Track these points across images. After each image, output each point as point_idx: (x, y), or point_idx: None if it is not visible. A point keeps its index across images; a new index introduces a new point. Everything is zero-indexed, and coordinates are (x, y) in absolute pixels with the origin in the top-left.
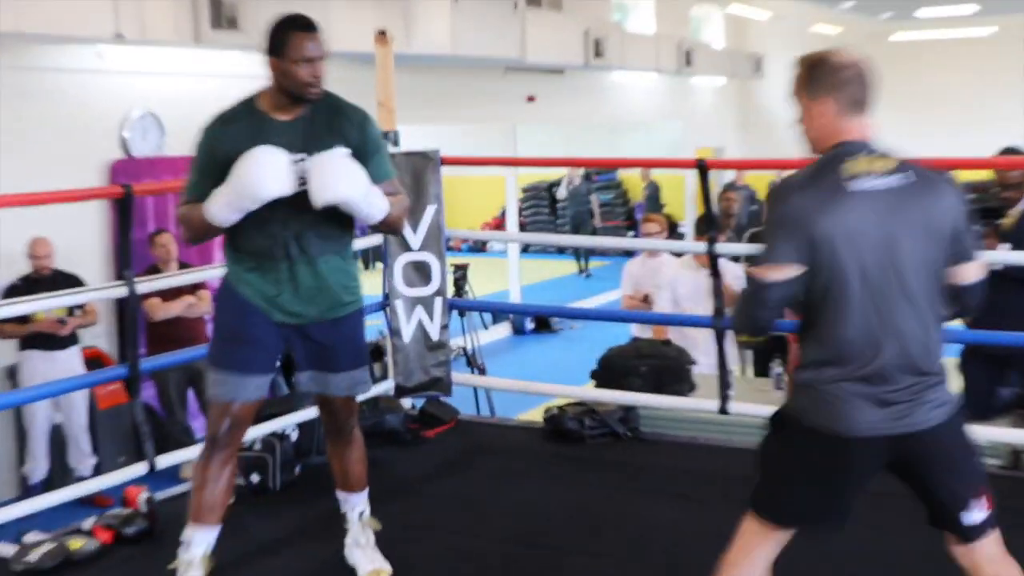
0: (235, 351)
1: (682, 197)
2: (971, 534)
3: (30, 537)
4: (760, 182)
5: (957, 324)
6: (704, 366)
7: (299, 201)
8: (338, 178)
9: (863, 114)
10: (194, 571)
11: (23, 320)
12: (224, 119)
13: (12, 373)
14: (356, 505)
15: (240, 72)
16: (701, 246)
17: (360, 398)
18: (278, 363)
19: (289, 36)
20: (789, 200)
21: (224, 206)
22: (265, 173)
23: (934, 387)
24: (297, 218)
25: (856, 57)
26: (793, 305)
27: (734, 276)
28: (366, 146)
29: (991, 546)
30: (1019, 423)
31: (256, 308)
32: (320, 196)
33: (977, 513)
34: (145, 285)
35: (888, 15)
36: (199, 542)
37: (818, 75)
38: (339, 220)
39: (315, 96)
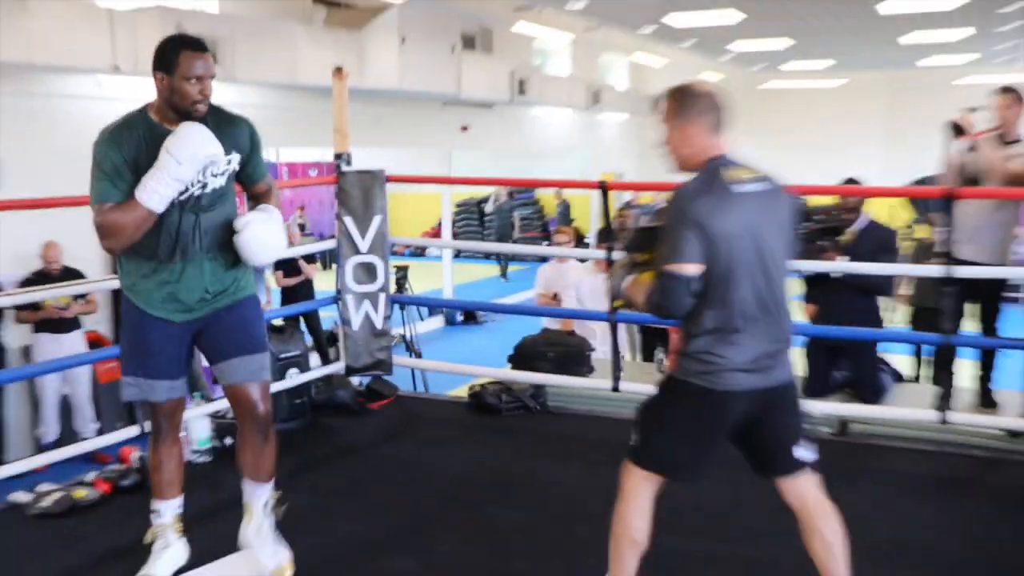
0: (140, 361)
1: (588, 213)
2: (800, 467)
3: (42, 487)
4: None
5: (802, 320)
6: (600, 352)
7: (189, 201)
8: (274, 248)
9: (722, 133)
10: (170, 533)
11: (35, 308)
12: (123, 126)
13: (27, 352)
14: (263, 495)
15: (217, 100)
16: (601, 254)
17: (304, 378)
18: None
19: (180, 54)
20: (691, 205)
21: (163, 183)
22: (203, 136)
23: (787, 351)
24: (187, 219)
25: (712, 87)
26: None
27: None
28: (254, 149)
29: (815, 486)
30: (846, 399)
31: (153, 318)
32: (258, 262)
33: (806, 451)
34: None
35: (760, 66)
36: (167, 510)
37: (688, 103)
38: (229, 221)
39: (201, 113)
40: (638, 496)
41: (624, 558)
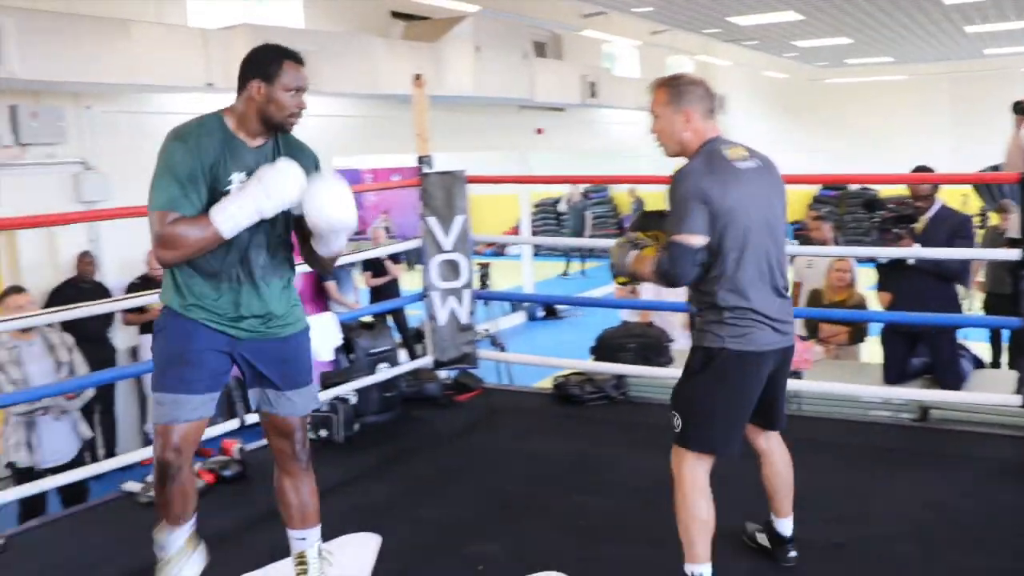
0: (175, 372)
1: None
2: (781, 423)
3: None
4: None
5: (879, 307)
6: (680, 343)
7: (256, 225)
8: (347, 203)
9: (714, 118)
10: (184, 556)
11: (141, 311)
12: (202, 130)
13: (134, 352)
14: (315, 540)
15: (305, 112)
16: None
17: (394, 372)
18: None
19: (283, 64)
20: (699, 181)
21: (244, 213)
22: (298, 177)
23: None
24: (251, 241)
25: (700, 77)
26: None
27: None
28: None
29: (780, 437)
30: (926, 385)
31: (205, 328)
32: (328, 216)
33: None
34: None
35: (823, 63)
36: (177, 537)
37: (686, 91)
38: (286, 245)
39: (293, 126)
40: (696, 479)
41: (697, 542)
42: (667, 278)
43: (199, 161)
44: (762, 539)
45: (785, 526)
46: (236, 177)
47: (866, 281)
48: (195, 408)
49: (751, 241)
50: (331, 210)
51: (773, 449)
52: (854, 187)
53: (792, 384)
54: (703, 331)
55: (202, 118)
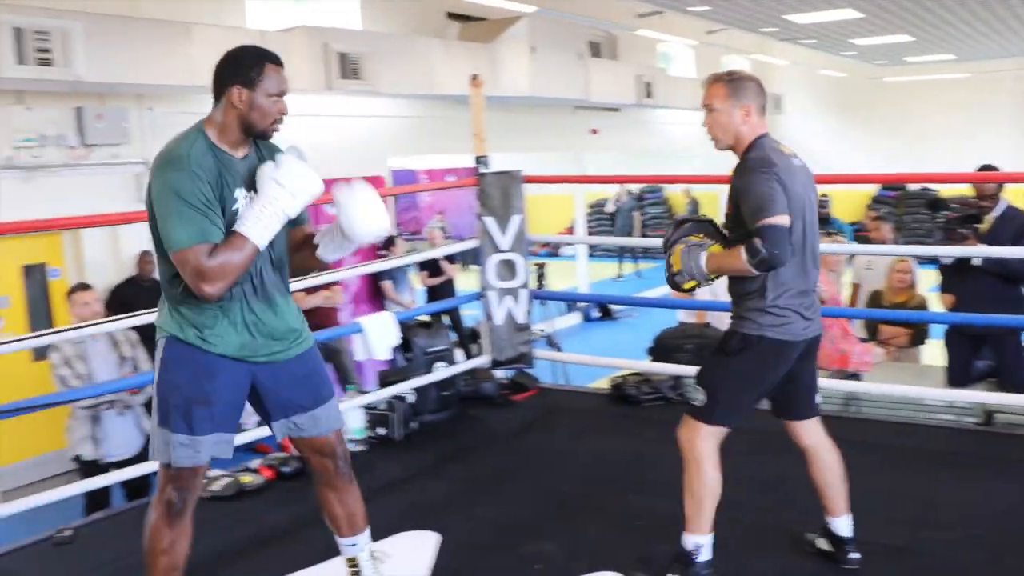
0: (197, 413)
1: (716, 210)
2: (816, 412)
3: (212, 473)
4: None
5: (941, 309)
6: None
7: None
8: (383, 213)
9: (765, 115)
10: None
11: None
12: (195, 152)
13: None
14: (365, 544)
15: (361, 112)
16: None
17: (451, 371)
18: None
19: (264, 67)
20: (773, 167)
21: (276, 219)
22: (311, 170)
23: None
24: (259, 257)
25: (753, 74)
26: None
27: None
28: None
29: (820, 425)
30: (991, 388)
31: (222, 360)
32: (367, 229)
33: (819, 397)
34: (294, 284)
35: (882, 61)
36: None
37: (745, 86)
38: (284, 260)
39: (274, 134)
40: (712, 451)
41: (708, 512)
42: (767, 262)
43: (206, 184)
44: (822, 544)
45: (842, 526)
46: (240, 193)
47: (927, 282)
48: (210, 447)
49: (803, 232)
50: (370, 221)
51: (819, 444)
52: (914, 187)
53: (852, 386)
54: (744, 318)
55: (186, 138)
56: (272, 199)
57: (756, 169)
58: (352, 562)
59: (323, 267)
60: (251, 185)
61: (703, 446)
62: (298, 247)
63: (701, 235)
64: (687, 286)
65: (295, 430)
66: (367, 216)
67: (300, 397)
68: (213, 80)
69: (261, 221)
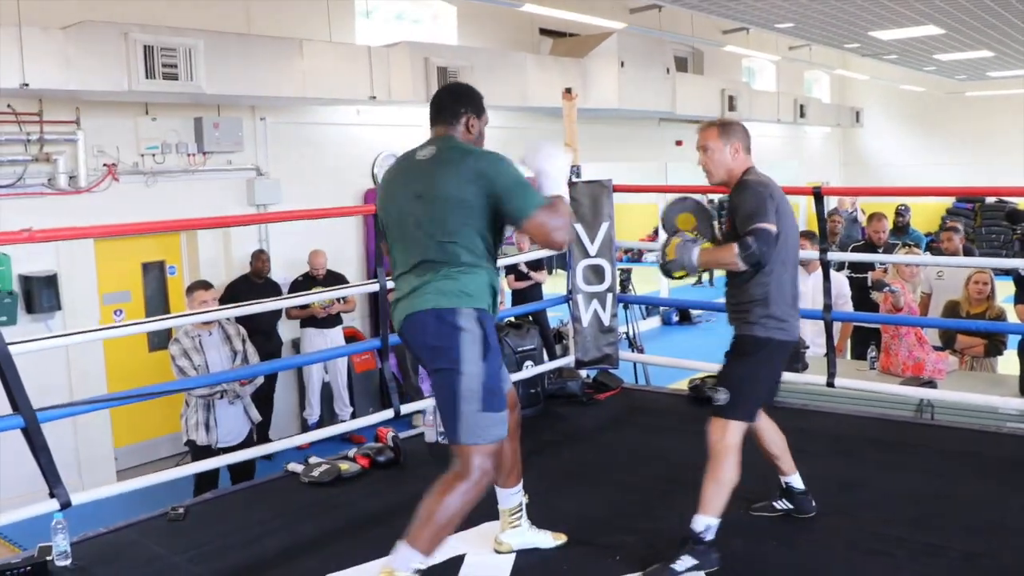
0: (504, 387)
1: (798, 219)
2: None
3: (313, 460)
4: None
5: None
6: (814, 349)
7: None
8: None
9: (751, 154)
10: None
11: (304, 307)
12: None
13: (296, 344)
14: (520, 489)
15: None
16: (815, 254)
17: (538, 370)
18: None
19: (482, 103)
20: (768, 188)
21: (563, 177)
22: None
23: None
24: None
25: (739, 120)
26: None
27: (838, 283)
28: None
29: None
30: None
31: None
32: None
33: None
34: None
35: (963, 76)
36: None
37: (734, 129)
38: None
39: None
40: (738, 445)
41: (726, 498)
42: (755, 257)
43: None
44: (781, 504)
45: (797, 480)
46: None
47: (1003, 293)
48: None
49: (791, 248)
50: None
51: (766, 423)
52: (990, 200)
53: (926, 393)
54: (754, 323)
55: (466, 143)
56: (556, 169)
57: (753, 186)
58: (513, 511)
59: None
60: None
61: (732, 440)
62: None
63: (697, 231)
64: (677, 275)
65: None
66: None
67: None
68: (447, 103)
69: (559, 179)
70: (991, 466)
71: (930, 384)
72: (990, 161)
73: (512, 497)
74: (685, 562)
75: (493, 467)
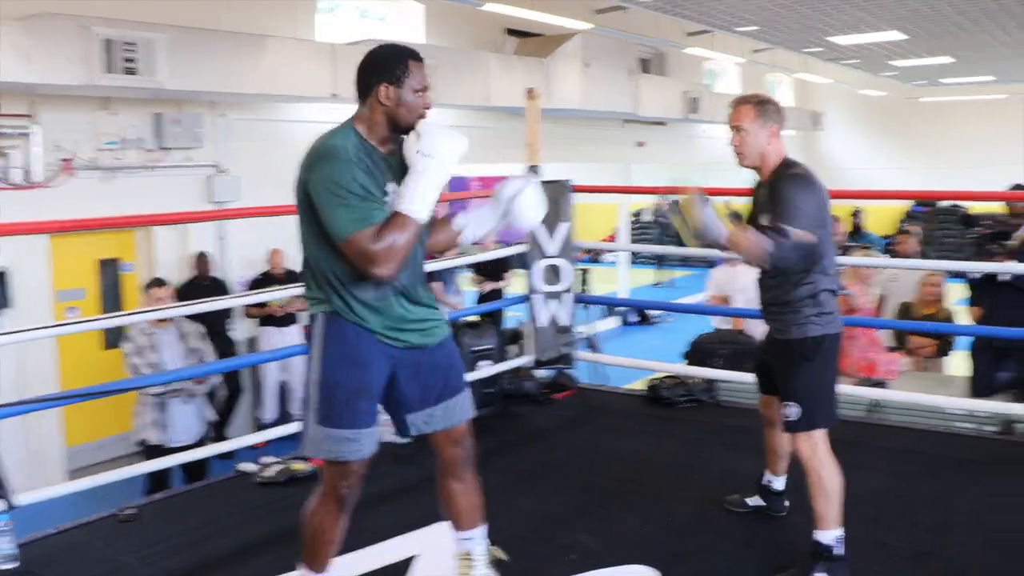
0: (360, 405)
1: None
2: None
3: (265, 459)
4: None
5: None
6: None
7: None
8: (544, 204)
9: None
10: None
11: (262, 305)
12: (348, 147)
13: (252, 343)
14: (482, 538)
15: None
16: None
17: (495, 370)
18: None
19: (408, 64)
20: (819, 185)
21: (432, 192)
22: (453, 132)
23: None
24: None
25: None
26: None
27: None
28: None
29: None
30: (1012, 399)
31: (379, 344)
32: (534, 219)
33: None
34: None
35: (921, 82)
36: None
37: (773, 110)
38: (417, 245)
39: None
40: (829, 452)
41: (839, 507)
42: (782, 265)
43: (365, 175)
44: (753, 501)
45: (781, 483)
46: (391, 187)
47: (955, 296)
48: (374, 441)
49: (830, 238)
50: (537, 212)
51: (775, 418)
52: (945, 204)
53: (877, 393)
54: (804, 324)
55: (337, 133)
56: (423, 171)
57: (804, 181)
58: (467, 556)
59: (454, 248)
60: (400, 179)
61: (822, 450)
62: (434, 230)
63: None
64: (692, 234)
65: (433, 422)
66: (537, 209)
67: (441, 385)
68: (358, 79)
69: (417, 195)
70: (939, 465)
71: (882, 384)
72: (946, 165)
73: (461, 542)
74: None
75: (346, 489)
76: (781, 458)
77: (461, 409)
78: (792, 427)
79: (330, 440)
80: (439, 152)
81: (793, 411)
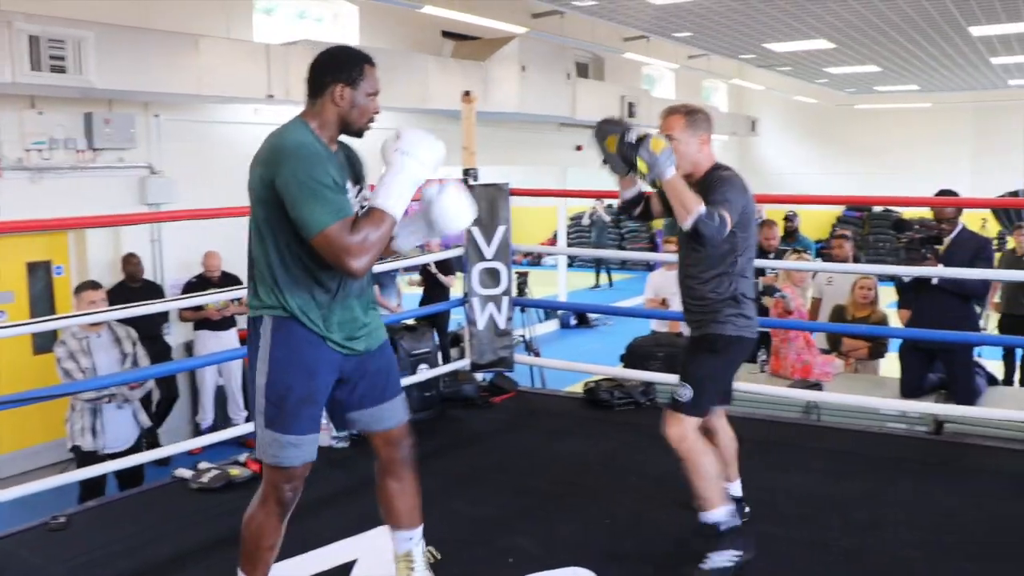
0: (305, 411)
1: None
2: (729, 399)
3: (202, 465)
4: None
5: (900, 324)
6: None
7: None
8: (471, 209)
9: None
10: None
11: (197, 309)
12: (306, 142)
13: (188, 348)
14: (420, 539)
15: None
16: None
17: (433, 373)
18: None
19: (365, 68)
20: (743, 184)
21: (408, 190)
22: (468, 208)
23: None
24: None
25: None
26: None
27: None
28: (364, 176)
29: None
30: (941, 400)
31: (327, 348)
32: (459, 223)
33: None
34: None
35: (852, 89)
36: None
37: (703, 119)
38: None
39: (368, 130)
40: (701, 438)
41: (719, 486)
42: (708, 230)
43: (331, 168)
44: None
45: (735, 488)
46: (348, 185)
47: (887, 299)
48: (315, 446)
49: (752, 249)
50: (462, 217)
51: (723, 426)
52: (878, 209)
53: (813, 395)
54: (724, 321)
55: (294, 129)
56: (400, 168)
57: (732, 178)
58: (407, 557)
59: (392, 254)
60: (344, 177)
61: (693, 436)
62: None
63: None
64: (640, 167)
65: (374, 423)
66: (460, 211)
67: (382, 387)
68: (311, 77)
69: (394, 192)
70: (872, 465)
71: (817, 386)
72: (878, 172)
73: (400, 543)
74: (721, 555)
75: (288, 493)
76: (728, 464)
77: (399, 412)
78: (678, 407)
79: (276, 444)
80: (418, 152)
81: (686, 393)
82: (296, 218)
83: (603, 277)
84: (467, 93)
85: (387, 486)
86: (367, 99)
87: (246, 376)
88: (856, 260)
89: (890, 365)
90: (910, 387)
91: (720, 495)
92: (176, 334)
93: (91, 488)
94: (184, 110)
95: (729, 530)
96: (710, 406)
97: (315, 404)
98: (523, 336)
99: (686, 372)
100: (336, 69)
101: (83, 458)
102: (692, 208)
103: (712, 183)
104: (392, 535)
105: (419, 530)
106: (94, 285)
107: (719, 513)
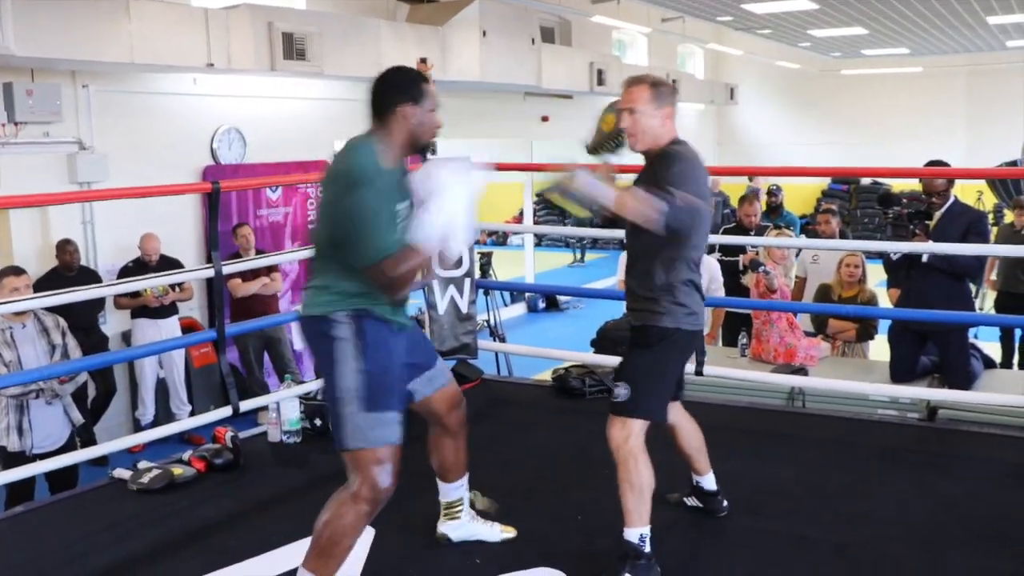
0: (400, 388)
1: None
2: (682, 394)
3: (142, 464)
4: (732, 189)
5: (889, 304)
6: None
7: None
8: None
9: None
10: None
11: (134, 295)
12: (377, 166)
13: (126, 337)
14: (466, 485)
15: (306, 95)
16: None
17: None
18: None
19: (422, 85)
20: (701, 162)
21: (438, 225)
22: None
23: None
24: None
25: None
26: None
27: (710, 267)
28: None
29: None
30: (934, 384)
31: (395, 330)
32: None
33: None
34: (229, 267)
35: (837, 54)
36: None
37: (667, 92)
38: None
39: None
40: (642, 447)
41: (646, 506)
42: (676, 224)
43: (394, 202)
44: (692, 501)
45: (709, 482)
46: (401, 207)
47: (877, 277)
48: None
49: (703, 236)
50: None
51: (683, 419)
52: (866, 181)
53: (797, 380)
54: (658, 312)
55: (367, 152)
56: (439, 206)
57: (690, 158)
58: (452, 505)
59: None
60: (405, 196)
61: (636, 441)
62: None
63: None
64: (560, 191)
65: (427, 387)
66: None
67: (424, 355)
68: (374, 99)
69: (427, 227)
70: (861, 454)
71: (802, 371)
72: (866, 142)
73: (453, 491)
74: None
75: (386, 477)
76: (694, 457)
77: (446, 370)
78: (616, 408)
79: (379, 424)
80: (453, 185)
81: (622, 392)
82: (355, 243)
83: (576, 255)
84: (423, 60)
85: (441, 442)
86: (432, 114)
87: (189, 367)
88: (843, 236)
89: (879, 348)
90: (901, 371)
91: (646, 515)
92: (112, 323)
93: (18, 492)
94: (116, 80)
95: (649, 555)
96: (658, 407)
97: (403, 381)
98: (487, 321)
99: (621, 369)
100: (400, 90)
101: (9, 459)
102: (655, 211)
103: (666, 156)
104: (443, 487)
105: (466, 478)
106: (16, 271)
107: (638, 532)
